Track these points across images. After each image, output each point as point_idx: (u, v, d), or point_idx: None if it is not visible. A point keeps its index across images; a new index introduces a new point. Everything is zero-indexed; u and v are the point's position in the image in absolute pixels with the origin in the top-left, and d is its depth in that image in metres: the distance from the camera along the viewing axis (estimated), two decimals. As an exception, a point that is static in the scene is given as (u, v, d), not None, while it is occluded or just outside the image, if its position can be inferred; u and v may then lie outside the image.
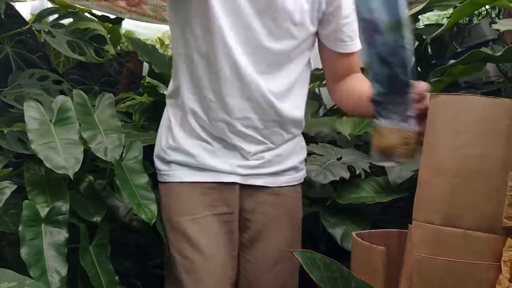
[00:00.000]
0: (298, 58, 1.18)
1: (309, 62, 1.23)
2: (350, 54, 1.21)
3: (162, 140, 1.22)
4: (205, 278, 1.14)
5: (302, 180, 1.29)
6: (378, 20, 0.82)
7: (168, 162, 1.20)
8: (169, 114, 1.22)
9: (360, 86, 1.17)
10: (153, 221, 1.14)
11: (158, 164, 1.22)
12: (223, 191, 1.16)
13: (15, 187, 1.16)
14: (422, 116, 0.88)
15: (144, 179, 1.21)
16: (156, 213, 1.15)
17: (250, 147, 1.16)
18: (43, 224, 1.11)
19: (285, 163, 1.21)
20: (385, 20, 0.82)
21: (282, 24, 1.11)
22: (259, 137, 1.16)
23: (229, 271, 1.18)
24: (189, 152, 1.16)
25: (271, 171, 1.19)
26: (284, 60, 1.15)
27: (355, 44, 1.19)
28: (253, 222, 1.20)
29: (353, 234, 0.97)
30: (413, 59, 0.84)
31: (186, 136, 1.17)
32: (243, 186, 1.17)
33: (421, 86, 0.91)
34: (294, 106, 1.19)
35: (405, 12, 0.81)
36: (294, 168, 1.24)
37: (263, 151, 1.18)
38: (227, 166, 1.15)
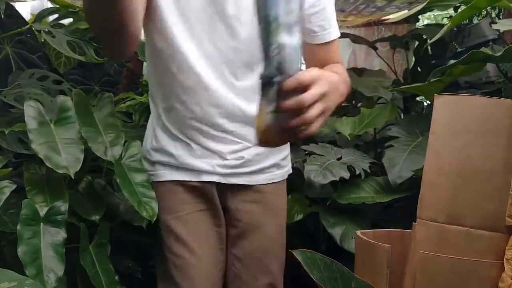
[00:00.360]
0: None
1: None
2: (324, 45, 1.15)
3: (147, 141, 1.24)
4: (195, 274, 1.15)
5: (285, 177, 1.28)
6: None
7: (152, 163, 1.22)
8: (152, 116, 1.23)
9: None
10: (154, 218, 1.14)
11: (145, 164, 1.24)
12: (204, 190, 1.17)
13: (14, 186, 1.16)
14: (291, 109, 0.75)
15: (143, 177, 1.21)
16: (157, 211, 1.15)
17: (226, 148, 1.16)
18: (41, 224, 1.10)
19: (265, 161, 1.20)
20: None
21: (241, 25, 1.06)
22: (232, 138, 1.16)
23: (218, 264, 1.19)
24: (171, 152, 1.17)
25: (251, 170, 1.18)
26: (251, 60, 1.09)
27: (328, 34, 1.14)
28: (238, 220, 1.21)
29: (358, 232, 0.97)
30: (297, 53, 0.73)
31: (167, 137, 1.18)
32: (225, 185, 1.18)
33: (303, 76, 0.75)
34: None
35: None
36: (276, 166, 1.23)
37: (241, 150, 1.17)
38: (207, 166, 1.16)
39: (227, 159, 1.16)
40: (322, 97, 0.78)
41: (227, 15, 1.05)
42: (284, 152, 1.26)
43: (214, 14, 1.06)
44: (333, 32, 1.14)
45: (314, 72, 0.78)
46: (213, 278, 1.18)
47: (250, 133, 1.15)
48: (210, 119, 1.13)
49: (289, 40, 0.73)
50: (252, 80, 1.10)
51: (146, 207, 1.15)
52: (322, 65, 1.13)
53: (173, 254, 1.16)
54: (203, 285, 1.16)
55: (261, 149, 1.19)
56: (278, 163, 1.24)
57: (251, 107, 1.07)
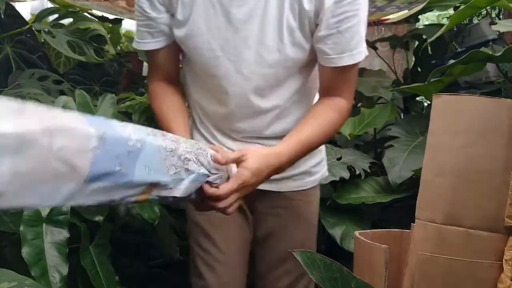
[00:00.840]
0: (299, 72, 1.09)
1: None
2: (332, 69, 1.05)
3: None
4: (221, 269, 1.16)
5: (316, 183, 1.24)
6: None
7: None
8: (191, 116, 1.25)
9: (302, 123, 1.06)
10: (156, 221, 1.14)
11: None
12: None
13: (15, 187, 1.16)
14: None
15: None
16: (159, 214, 1.15)
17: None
18: (44, 224, 1.11)
19: (295, 168, 1.17)
20: None
21: (271, 55, 1.03)
22: (262, 143, 1.16)
23: (243, 262, 1.21)
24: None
25: (281, 176, 1.15)
26: (279, 80, 1.08)
27: (340, 59, 1.02)
28: (265, 223, 1.21)
29: (356, 233, 0.97)
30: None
31: (201, 138, 1.19)
32: (255, 191, 1.18)
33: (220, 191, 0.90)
34: (298, 117, 1.13)
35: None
36: (307, 173, 1.21)
37: None
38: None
39: None
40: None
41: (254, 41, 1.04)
42: (316, 158, 1.22)
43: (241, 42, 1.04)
44: (347, 58, 1.03)
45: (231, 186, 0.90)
46: (238, 275, 1.19)
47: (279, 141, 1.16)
48: (244, 132, 1.14)
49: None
50: (286, 95, 1.11)
51: (148, 209, 1.15)
52: (326, 90, 1.09)
53: (200, 248, 1.18)
54: (229, 280, 1.17)
55: None
56: (309, 170, 1.21)
57: (288, 120, 1.12)
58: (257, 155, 0.96)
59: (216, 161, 0.88)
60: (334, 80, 1.07)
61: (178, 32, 1.06)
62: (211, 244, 1.16)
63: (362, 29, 1.02)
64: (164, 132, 0.81)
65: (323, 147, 1.26)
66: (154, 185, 0.73)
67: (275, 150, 1.00)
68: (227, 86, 1.07)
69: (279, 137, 1.10)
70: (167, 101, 1.13)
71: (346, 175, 1.61)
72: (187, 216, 1.21)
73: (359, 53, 1.03)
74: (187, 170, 0.79)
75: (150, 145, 0.71)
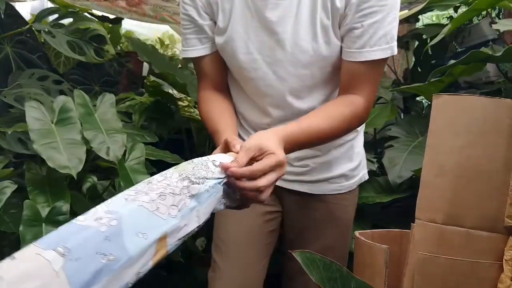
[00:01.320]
0: (333, 73, 1.08)
1: None
2: (351, 64, 1.02)
3: None
4: (234, 258, 1.15)
5: (353, 187, 1.21)
6: None
7: None
8: None
9: (317, 116, 1.01)
10: None
11: None
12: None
13: (15, 187, 1.16)
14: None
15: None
16: None
17: (292, 154, 1.09)
18: (43, 224, 1.11)
19: (332, 171, 1.16)
20: None
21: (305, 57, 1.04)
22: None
23: (260, 256, 1.18)
24: None
25: (315, 179, 1.15)
26: (315, 80, 1.08)
27: (360, 54, 1.00)
28: (296, 222, 1.20)
29: (356, 233, 0.97)
30: None
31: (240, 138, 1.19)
32: (288, 190, 1.17)
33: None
34: None
35: None
36: (344, 176, 1.18)
37: (307, 158, 1.15)
38: None
39: (292, 166, 1.14)
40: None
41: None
42: (354, 161, 1.20)
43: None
44: (367, 54, 1.00)
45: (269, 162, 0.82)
46: (253, 267, 1.16)
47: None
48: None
49: None
50: (315, 100, 1.10)
51: None
52: (344, 85, 1.05)
53: (218, 237, 1.18)
54: (241, 270, 1.15)
55: (330, 158, 1.16)
56: (346, 173, 1.19)
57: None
58: (269, 137, 0.88)
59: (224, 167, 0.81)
60: (352, 76, 1.03)
61: (219, 39, 1.09)
62: (230, 238, 1.16)
63: (387, 26, 0.99)
64: (149, 179, 0.75)
65: (362, 150, 1.24)
66: (164, 237, 0.69)
67: (278, 130, 0.93)
68: (265, 88, 1.08)
69: None
70: (215, 105, 1.12)
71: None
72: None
73: (381, 50, 0.99)
74: (191, 196, 0.74)
75: (129, 211, 0.67)
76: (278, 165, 0.83)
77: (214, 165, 0.80)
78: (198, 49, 1.12)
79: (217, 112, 1.10)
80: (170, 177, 0.74)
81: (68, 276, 0.57)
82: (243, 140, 1.01)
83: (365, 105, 1.03)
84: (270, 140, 0.86)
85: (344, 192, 1.20)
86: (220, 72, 1.16)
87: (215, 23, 1.09)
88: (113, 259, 0.62)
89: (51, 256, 0.58)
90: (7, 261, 0.58)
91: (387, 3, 0.98)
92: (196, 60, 1.15)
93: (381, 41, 0.99)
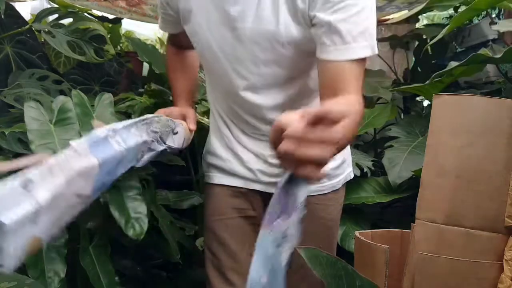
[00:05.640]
0: (299, 71, 1.04)
1: None
2: (329, 63, 0.91)
3: (207, 143, 1.26)
4: (231, 276, 1.15)
5: (337, 187, 1.18)
6: None
7: (208, 164, 1.23)
8: (210, 120, 1.26)
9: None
10: (142, 236, 1.10)
11: (203, 165, 1.27)
12: (249, 196, 1.17)
13: (15, 187, 1.16)
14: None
15: (136, 190, 1.15)
16: (145, 228, 1.11)
17: (268, 151, 1.11)
18: (43, 224, 1.11)
19: None
20: None
21: (270, 50, 0.99)
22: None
23: None
24: (222, 156, 1.19)
25: None
26: (277, 78, 1.04)
27: (338, 51, 0.89)
28: None
29: (356, 233, 0.97)
30: None
31: (219, 142, 1.20)
32: (264, 194, 1.16)
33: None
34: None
35: None
36: (326, 175, 1.09)
37: None
38: (251, 174, 1.16)
39: (269, 165, 1.13)
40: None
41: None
42: (337, 160, 1.15)
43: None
44: (346, 52, 0.89)
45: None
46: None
47: None
48: (247, 124, 1.13)
49: None
50: (278, 98, 1.06)
51: (135, 224, 1.11)
52: (326, 89, 0.93)
53: (212, 254, 1.17)
54: (240, 274, 1.13)
55: None
56: (328, 173, 1.11)
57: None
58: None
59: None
60: (337, 77, 0.91)
61: (185, 28, 1.11)
62: (224, 252, 1.15)
63: (363, 21, 0.90)
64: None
65: (346, 148, 1.16)
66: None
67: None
68: (226, 83, 1.07)
69: None
70: (179, 60, 1.33)
71: (357, 172, 1.60)
72: (204, 222, 1.21)
73: (361, 48, 0.89)
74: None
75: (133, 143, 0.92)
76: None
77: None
78: (170, 28, 1.25)
79: (180, 69, 1.32)
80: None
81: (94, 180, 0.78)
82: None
83: (357, 98, 0.90)
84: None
85: (328, 192, 1.16)
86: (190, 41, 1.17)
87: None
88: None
89: (95, 162, 0.77)
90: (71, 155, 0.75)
91: None
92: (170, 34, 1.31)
93: (360, 37, 0.89)
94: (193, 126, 1.20)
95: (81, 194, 0.74)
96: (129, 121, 0.94)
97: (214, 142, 1.20)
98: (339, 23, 0.89)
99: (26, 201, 0.65)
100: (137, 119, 0.97)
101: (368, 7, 0.91)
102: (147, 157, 1.00)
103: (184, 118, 1.22)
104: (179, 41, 1.27)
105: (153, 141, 1.00)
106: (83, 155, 0.75)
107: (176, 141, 1.10)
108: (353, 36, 0.89)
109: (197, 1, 1.03)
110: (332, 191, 1.17)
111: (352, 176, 1.25)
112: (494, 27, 1.38)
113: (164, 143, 1.05)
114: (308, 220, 1.18)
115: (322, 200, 1.16)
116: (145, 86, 1.83)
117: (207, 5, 1.02)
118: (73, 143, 0.77)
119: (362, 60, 0.91)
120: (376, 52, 0.93)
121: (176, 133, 1.11)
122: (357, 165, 1.63)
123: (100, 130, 0.85)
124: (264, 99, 1.06)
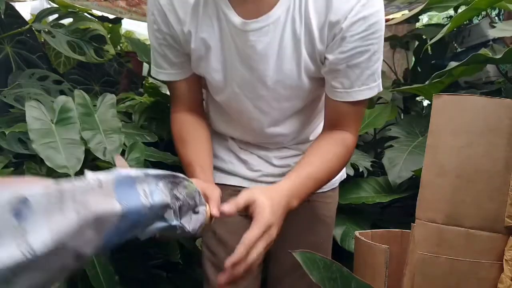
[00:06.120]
0: (313, 99, 1.12)
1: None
2: (339, 103, 1.01)
3: None
4: None
5: (335, 185, 1.25)
6: None
7: None
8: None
9: (308, 156, 1.01)
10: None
11: None
12: None
13: (15, 187, 1.16)
14: None
15: None
16: None
17: (275, 153, 1.17)
18: (43, 223, 1.11)
19: None
20: None
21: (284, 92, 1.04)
22: (278, 143, 1.17)
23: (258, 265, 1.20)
24: (223, 158, 1.20)
25: None
26: (295, 110, 1.11)
27: (347, 94, 0.99)
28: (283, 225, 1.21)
29: (356, 233, 0.97)
30: None
31: (219, 143, 1.21)
32: None
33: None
34: (295, 124, 1.15)
35: None
36: None
37: (288, 157, 1.18)
38: (254, 175, 1.18)
39: (273, 166, 1.17)
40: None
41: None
42: None
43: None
44: (355, 94, 0.99)
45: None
46: (252, 281, 1.18)
47: (304, 143, 1.18)
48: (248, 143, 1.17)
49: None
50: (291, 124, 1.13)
51: None
52: (331, 122, 1.06)
53: (211, 252, 1.18)
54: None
55: None
56: None
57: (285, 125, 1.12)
58: (264, 193, 0.90)
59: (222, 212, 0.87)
60: (341, 114, 1.03)
61: (196, 70, 1.07)
62: (223, 250, 1.16)
63: (373, 65, 0.97)
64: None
65: None
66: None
67: (280, 186, 0.94)
68: (245, 120, 1.10)
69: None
70: (189, 129, 1.11)
71: (350, 172, 1.61)
72: None
73: (369, 89, 0.99)
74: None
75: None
76: (266, 231, 0.86)
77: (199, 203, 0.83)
78: (172, 74, 1.08)
79: (191, 140, 1.09)
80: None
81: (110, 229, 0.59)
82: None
83: (354, 140, 1.06)
84: (261, 195, 0.88)
85: (327, 190, 1.21)
86: (196, 96, 1.14)
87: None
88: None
89: (118, 210, 0.58)
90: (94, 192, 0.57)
91: (372, 41, 0.94)
92: (169, 83, 1.12)
93: (368, 80, 0.98)
94: (216, 212, 0.88)
95: (81, 254, 0.53)
96: (159, 171, 0.70)
97: (214, 143, 1.20)
98: (351, 69, 0.96)
99: (12, 241, 0.43)
100: (167, 172, 0.72)
101: (380, 50, 0.97)
102: (154, 228, 0.71)
103: (205, 198, 0.96)
104: (186, 97, 1.13)
105: (171, 208, 0.72)
106: (107, 195, 0.56)
107: (192, 224, 0.80)
108: (362, 80, 0.97)
109: (217, 39, 1.00)
110: (330, 189, 1.23)
111: (345, 176, 1.31)
112: (491, 32, 1.39)
113: (180, 218, 0.76)
114: (311, 218, 1.20)
115: (322, 198, 1.21)
116: (144, 82, 1.83)
117: (229, 43, 1.00)
118: (97, 175, 0.57)
119: (366, 99, 1.01)
120: (381, 89, 1.02)
121: (197, 212, 0.82)
122: (353, 165, 1.64)
123: (129, 170, 0.64)
124: (283, 128, 1.12)
